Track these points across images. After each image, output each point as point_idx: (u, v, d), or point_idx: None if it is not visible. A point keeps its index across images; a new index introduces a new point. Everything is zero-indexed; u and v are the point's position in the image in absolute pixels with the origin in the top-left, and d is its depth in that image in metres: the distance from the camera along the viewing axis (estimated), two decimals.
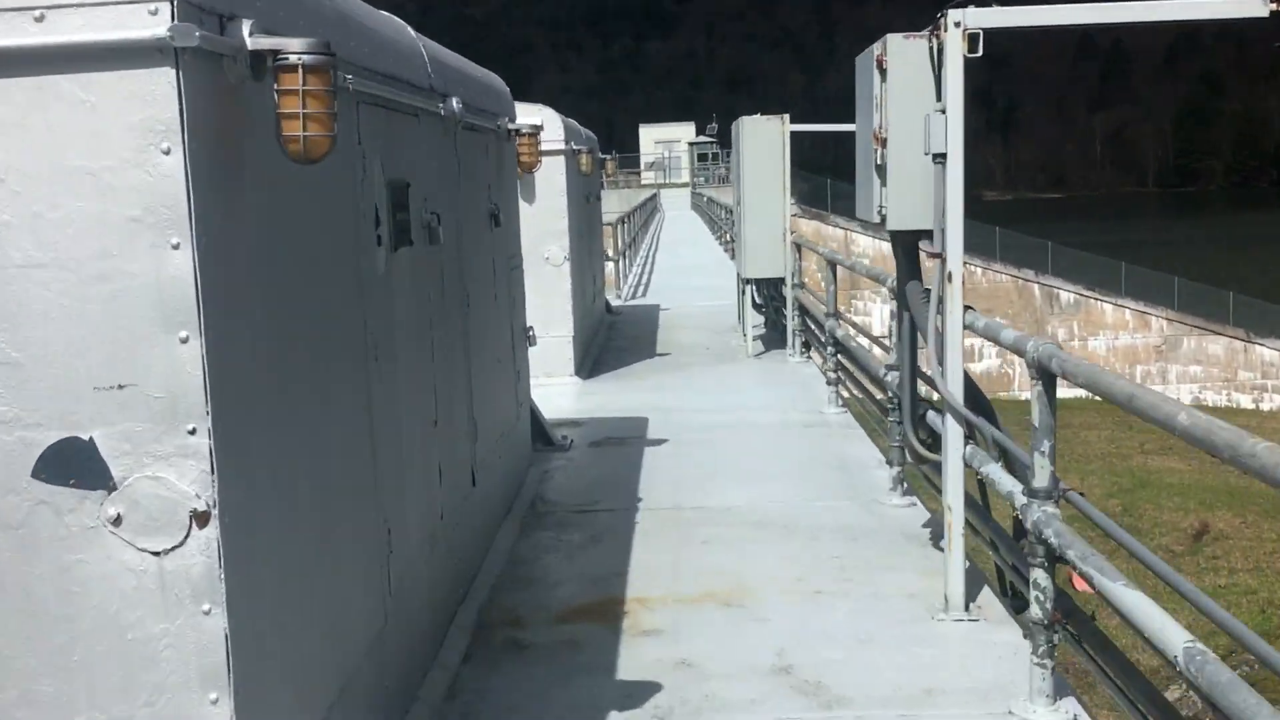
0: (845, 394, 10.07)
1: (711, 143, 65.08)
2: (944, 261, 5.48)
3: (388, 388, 4.36)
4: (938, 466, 5.92)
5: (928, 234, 5.75)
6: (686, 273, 24.66)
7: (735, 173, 14.07)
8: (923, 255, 5.86)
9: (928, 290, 5.90)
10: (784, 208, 12.94)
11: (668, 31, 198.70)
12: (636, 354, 13.61)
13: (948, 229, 5.44)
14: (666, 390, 11.44)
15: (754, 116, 13.08)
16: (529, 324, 8.43)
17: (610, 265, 20.36)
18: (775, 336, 14.06)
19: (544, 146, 11.61)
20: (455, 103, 5.77)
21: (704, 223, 45.49)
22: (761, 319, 14.64)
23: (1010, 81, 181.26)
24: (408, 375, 4.72)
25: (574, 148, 11.94)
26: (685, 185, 65.08)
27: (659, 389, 11.51)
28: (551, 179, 11.53)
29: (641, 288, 21.93)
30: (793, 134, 13.00)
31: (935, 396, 5.87)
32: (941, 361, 5.54)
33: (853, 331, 9.81)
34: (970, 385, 5.61)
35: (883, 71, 5.55)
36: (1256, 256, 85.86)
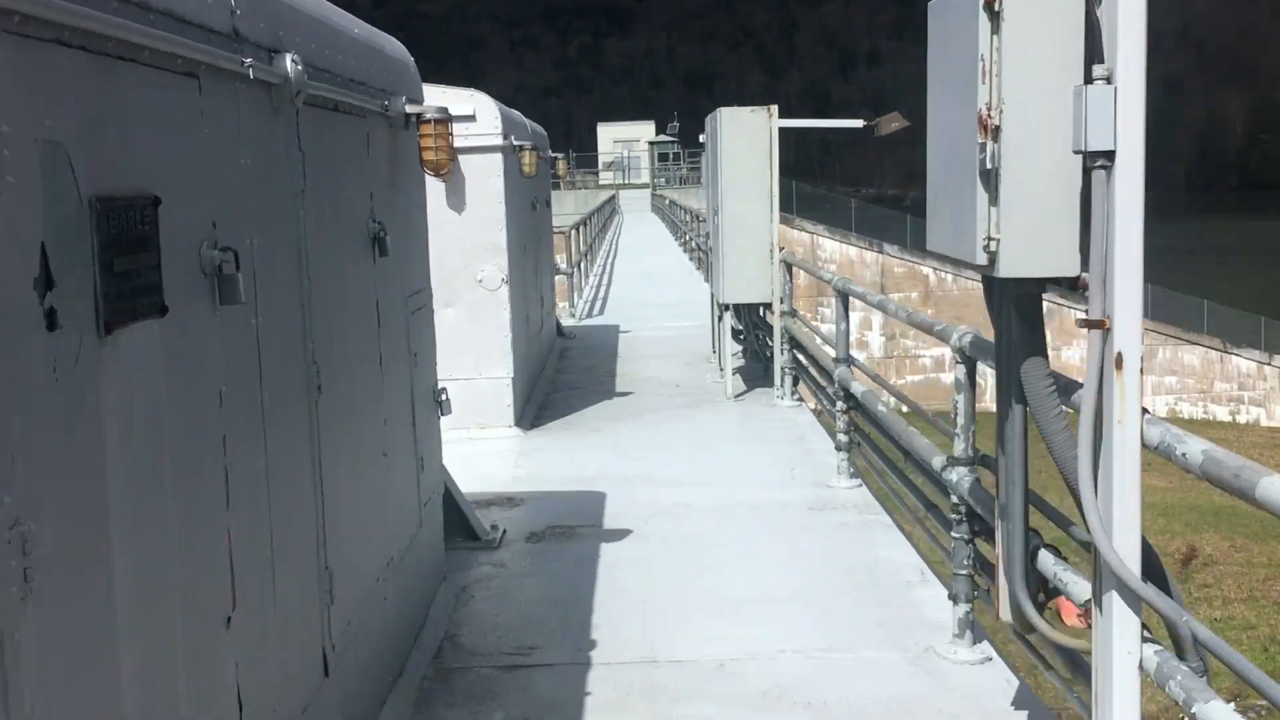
0: (861, 461, 7.82)
1: (673, 142, 62.87)
2: (1109, 333, 3.27)
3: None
4: (1070, 654, 3.73)
5: (1059, 282, 3.58)
6: (649, 283, 22.44)
7: (709, 175, 11.81)
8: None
9: (1053, 376, 3.71)
10: (772, 218, 10.72)
11: (627, 29, 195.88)
12: (592, 393, 11.31)
13: (1116, 279, 3.24)
14: (629, 449, 9.16)
15: (735, 109, 10.83)
16: (440, 385, 6.14)
17: (562, 279, 18.14)
18: (757, 369, 11.86)
19: (478, 141, 9.39)
20: (291, 62, 3.49)
21: (666, 226, 43.31)
22: (740, 348, 12.41)
23: None
24: (150, 551, 2.47)
25: (515, 143, 9.67)
26: (645, 186, 62.86)
27: (619, 446, 9.23)
28: (486, 182, 9.29)
29: (599, 303, 19.72)
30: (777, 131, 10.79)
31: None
32: (1096, 506, 3.33)
33: (876, 387, 7.39)
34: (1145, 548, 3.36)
35: (995, 16, 3.34)
36: (1229, 264, 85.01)
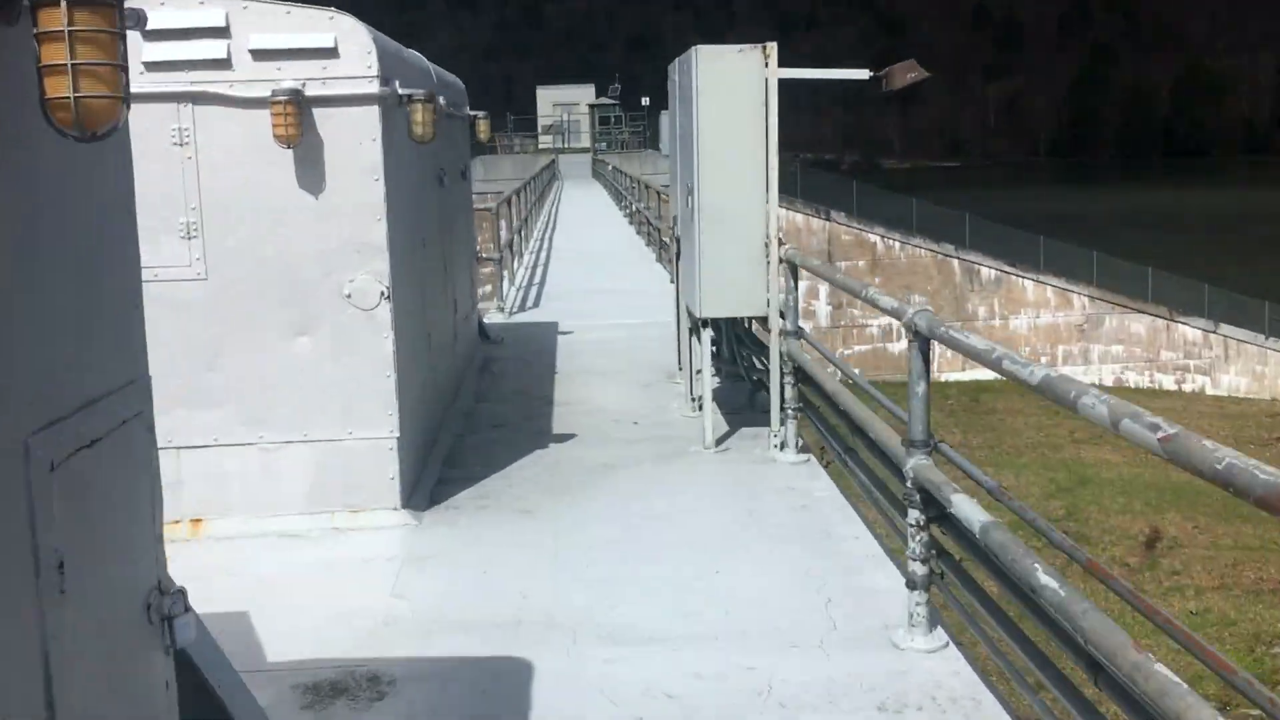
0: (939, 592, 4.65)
1: (614, 105, 59.26)
2: None
3: None
4: None
5: None
6: (593, 265, 19.26)
7: (675, 142, 8.55)
8: None
9: None
10: (768, 200, 7.55)
11: None
12: (521, 437, 8.01)
13: None
14: (573, 553, 5.86)
15: (717, 48, 7.56)
16: None
17: (490, 266, 14.83)
18: (737, 394, 8.71)
19: (341, 89, 6.13)
20: None
21: (609, 194, 40.00)
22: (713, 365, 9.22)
23: (907, 50, 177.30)
24: None
25: (402, 92, 6.35)
26: (586, 150, 59.32)
27: (559, 548, 5.92)
28: (354, 150, 6.00)
29: (534, 293, 16.57)
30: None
31: None
32: None
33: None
34: None
35: None
36: (1167, 232, 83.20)
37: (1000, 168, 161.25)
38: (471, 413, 8.71)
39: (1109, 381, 52.35)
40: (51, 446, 2.04)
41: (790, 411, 7.29)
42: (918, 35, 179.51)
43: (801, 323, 7.32)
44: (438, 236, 8.16)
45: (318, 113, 5.92)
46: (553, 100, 67.74)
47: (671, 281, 9.73)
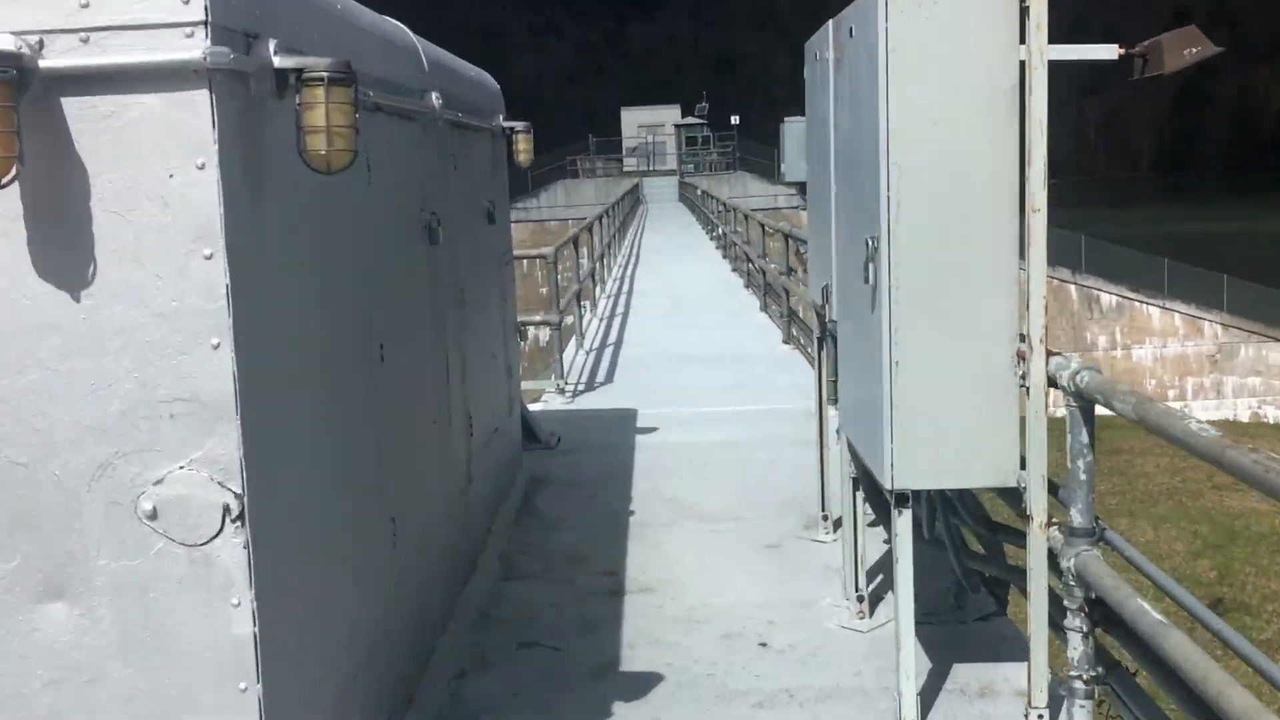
0: None
1: (701, 124, 55.72)
2: None
3: None
4: None
5: None
6: (682, 315, 15.80)
7: (826, 159, 4.95)
8: None
9: None
10: (1026, 265, 3.98)
11: (650, 14, 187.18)
12: (570, 674, 4.55)
13: None
14: None
15: None
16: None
17: (544, 330, 11.54)
18: (931, 573, 5.11)
19: (116, 54, 2.42)
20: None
21: (698, 220, 36.49)
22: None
23: None
24: None
25: (287, 65, 2.85)
26: (672, 173, 55.91)
27: None
28: (159, 188, 2.59)
29: (607, 356, 13.03)
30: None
31: None
32: None
33: None
34: None
35: None
36: None
37: (1100, 185, 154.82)
38: (488, 613, 5.16)
39: (1245, 417, 47.62)
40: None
41: (1083, 680, 3.64)
42: None
43: None
44: (429, 326, 4.71)
45: (70, 108, 2.52)
46: (637, 122, 64.50)
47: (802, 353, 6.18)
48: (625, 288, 19.82)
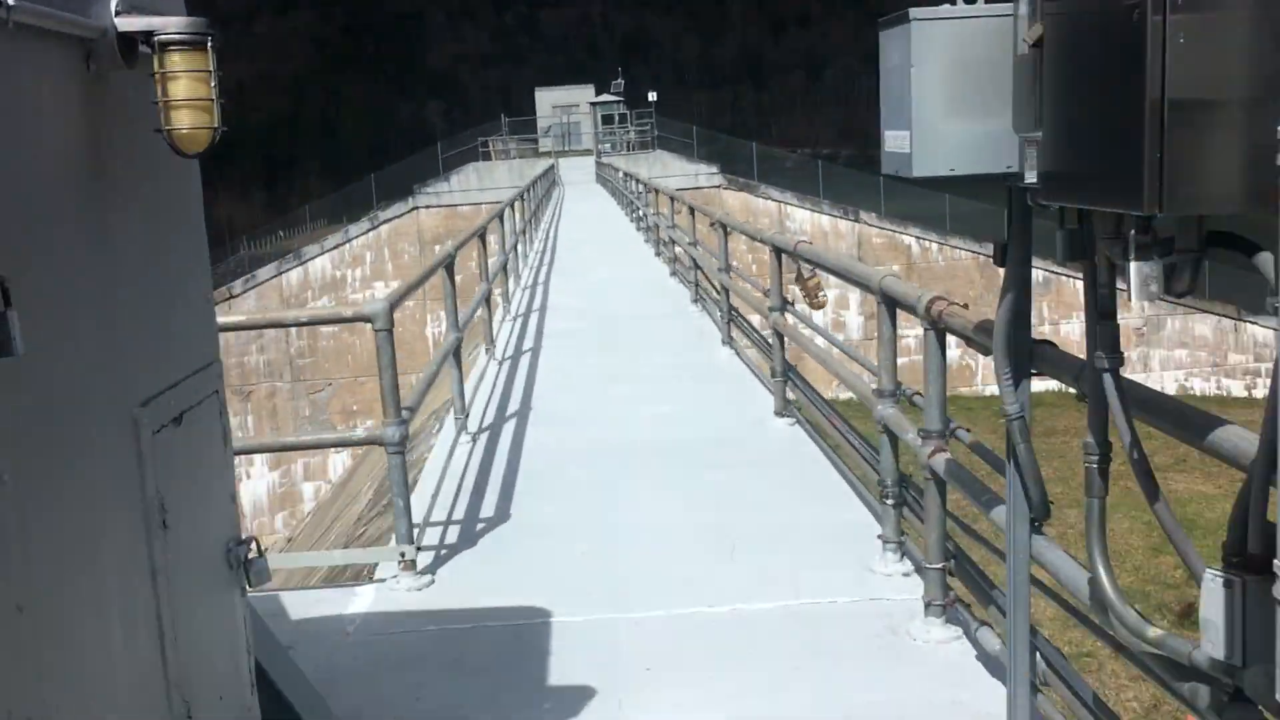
0: None
1: (617, 102, 51.79)
2: None
3: None
4: None
5: None
6: (619, 349, 11.59)
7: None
8: None
9: None
10: None
11: None
12: None
13: None
14: None
15: None
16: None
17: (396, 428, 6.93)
18: None
19: None
20: None
21: (618, 203, 32.67)
22: None
23: None
24: None
25: None
26: (589, 153, 51.94)
27: None
28: None
29: (500, 458, 7.96)
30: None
31: None
32: None
33: None
34: None
35: None
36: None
37: None
38: None
39: (1172, 389, 45.14)
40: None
41: None
42: None
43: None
44: None
45: None
46: (552, 102, 60.48)
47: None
48: (536, 303, 14.96)
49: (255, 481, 43.44)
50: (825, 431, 7.38)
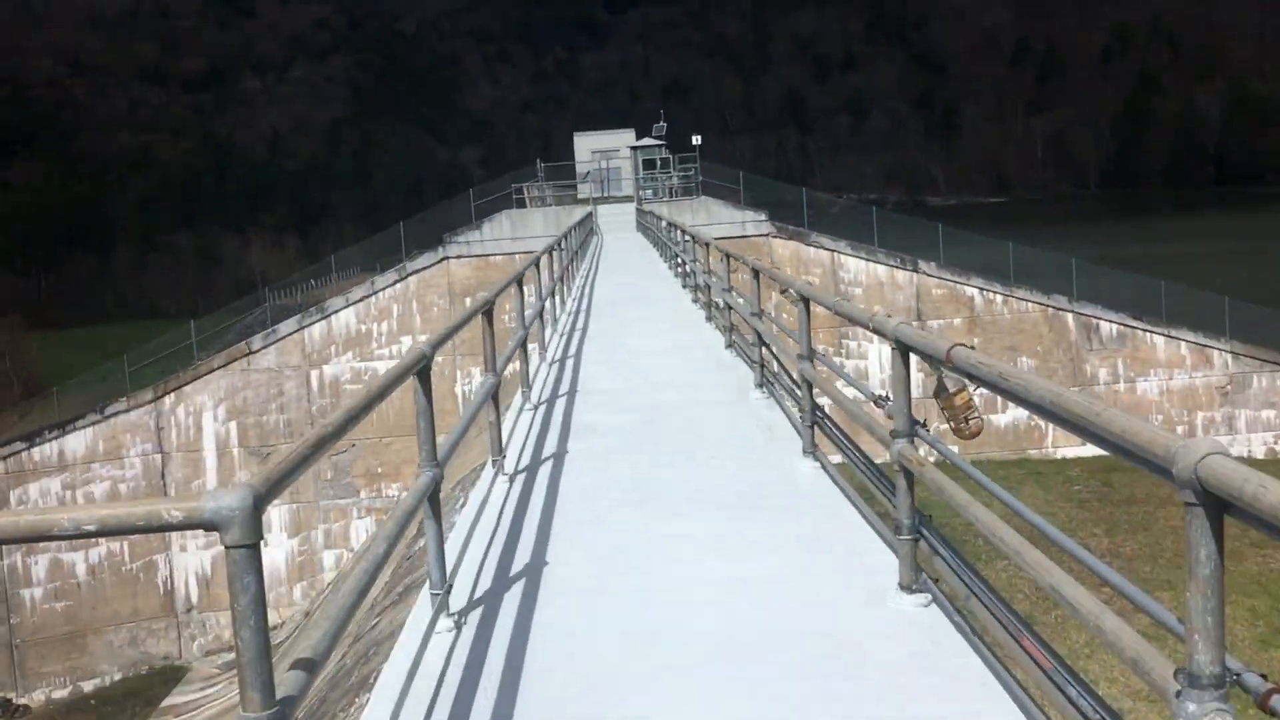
0: None
1: (659, 146, 49.11)
2: None
3: None
4: None
5: None
6: (670, 450, 8.57)
7: None
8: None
9: None
10: None
11: (601, 42, 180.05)
12: None
13: None
14: None
15: None
16: None
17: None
18: None
19: None
20: None
21: (660, 255, 29.80)
22: None
23: (948, 85, 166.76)
24: None
25: None
26: (628, 199, 49.26)
27: None
28: None
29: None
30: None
31: None
32: None
33: None
34: None
35: None
36: (1258, 264, 72.12)
37: (1048, 202, 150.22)
38: None
39: (1260, 453, 41.47)
40: None
41: None
42: (957, 71, 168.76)
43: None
44: None
45: None
46: (591, 147, 57.97)
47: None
48: (563, 384, 11.78)
49: (273, 550, 40.80)
50: (986, 628, 4.42)
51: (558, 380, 11.93)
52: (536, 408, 10.65)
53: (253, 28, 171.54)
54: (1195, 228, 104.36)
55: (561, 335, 15.82)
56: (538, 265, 14.12)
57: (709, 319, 15.99)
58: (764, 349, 10.36)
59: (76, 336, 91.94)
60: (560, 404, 10.72)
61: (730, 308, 12.98)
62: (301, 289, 50.11)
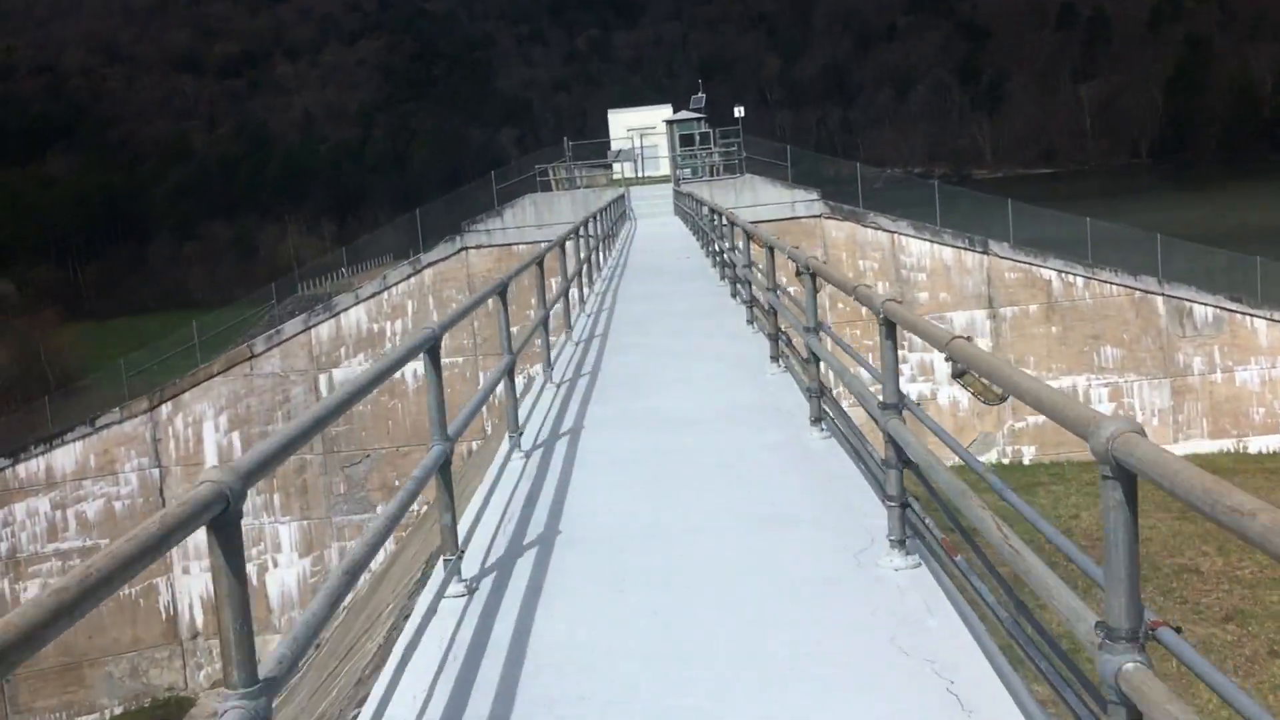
0: None
1: (698, 119, 44.27)
2: None
3: None
4: None
5: None
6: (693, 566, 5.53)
7: None
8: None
9: None
10: None
11: (635, 19, 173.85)
12: None
13: None
14: None
15: None
16: None
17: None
18: None
19: None
20: None
21: (699, 244, 25.16)
22: None
23: (994, 54, 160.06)
24: None
25: None
26: (665, 180, 44.50)
27: None
28: None
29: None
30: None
31: None
32: None
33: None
34: None
35: None
36: None
37: (1098, 173, 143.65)
38: None
39: None
40: None
41: None
42: (1002, 39, 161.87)
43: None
44: None
45: None
46: (626, 125, 53.19)
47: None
48: (569, 429, 8.58)
49: (283, 570, 36.71)
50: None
51: (542, 469, 7.61)
52: (505, 521, 6.51)
53: (284, 11, 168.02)
54: (1262, 197, 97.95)
55: (569, 364, 11.39)
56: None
57: (751, 323, 11.68)
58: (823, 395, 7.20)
59: (115, 327, 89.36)
60: (538, 525, 6.47)
61: (773, 311, 9.10)
62: (332, 278, 46.16)
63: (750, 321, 12.68)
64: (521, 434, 8.31)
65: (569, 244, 15.56)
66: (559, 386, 10.29)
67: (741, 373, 10.24)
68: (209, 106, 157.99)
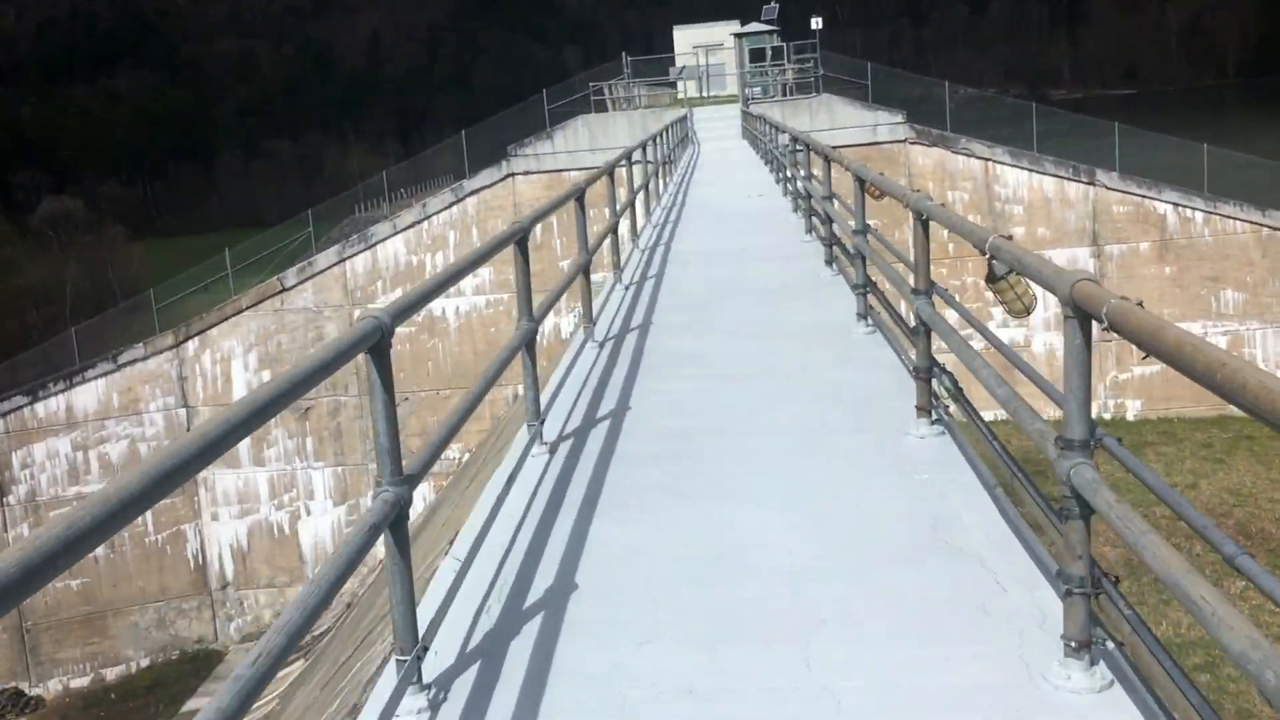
0: None
1: (770, 32, 39.31)
2: None
3: None
4: None
5: None
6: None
7: None
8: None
9: None
10: None
11: None
12: None
13: None
14: None
15: None
16: None
17: None
18: None
19: None
20: None
21: (774, 176, 20.73)
22: None
23: None
24: None
25: None
26: (733, 99, 39.74)
27: None
28: None
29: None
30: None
31: None
32: None
33: None
34: None
35: None
36: None
37: (1184, 94, 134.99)
38: None
39: None
40: None
41: None
42: None
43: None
44: None
45: None
46: (693, 42, 48.26)
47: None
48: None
49: (316, 518, 33.39)
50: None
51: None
52: None
53: None
54: None
55: (582, 385, 7.55)
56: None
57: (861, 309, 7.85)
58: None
59: (183, 244, 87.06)
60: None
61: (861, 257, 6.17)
62: (393, 198, 42.30)
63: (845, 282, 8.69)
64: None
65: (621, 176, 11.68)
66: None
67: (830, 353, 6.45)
68: (275, 25, 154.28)
